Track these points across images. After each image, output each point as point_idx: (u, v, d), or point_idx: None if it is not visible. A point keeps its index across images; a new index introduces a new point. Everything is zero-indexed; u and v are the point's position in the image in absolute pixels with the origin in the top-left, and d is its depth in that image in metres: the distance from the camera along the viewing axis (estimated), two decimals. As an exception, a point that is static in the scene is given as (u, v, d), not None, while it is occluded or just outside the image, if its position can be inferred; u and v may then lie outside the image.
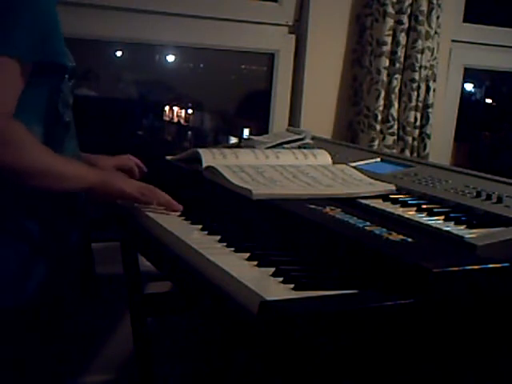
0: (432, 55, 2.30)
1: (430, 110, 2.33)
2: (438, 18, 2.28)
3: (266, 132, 2.31)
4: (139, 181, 1.45)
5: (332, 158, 1.67)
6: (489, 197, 1.29)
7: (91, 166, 1.38)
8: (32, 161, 1.15)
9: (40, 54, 1.14)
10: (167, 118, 2.65)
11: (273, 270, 1.02)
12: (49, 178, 1.19)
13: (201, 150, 1.59)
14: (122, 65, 2.40)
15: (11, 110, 1.11)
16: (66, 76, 1.25)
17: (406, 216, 1.22)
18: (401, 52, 2.23)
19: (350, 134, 2.33)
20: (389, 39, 2.20)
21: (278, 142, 1.87)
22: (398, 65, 2.24)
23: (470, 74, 2.67)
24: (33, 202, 1.22)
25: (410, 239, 1.07)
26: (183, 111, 2.66)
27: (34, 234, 1.23)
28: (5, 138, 1.10)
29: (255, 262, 1.07)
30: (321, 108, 2.32)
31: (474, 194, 1.32)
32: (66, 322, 1.35)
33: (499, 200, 1.26)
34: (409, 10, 2.22)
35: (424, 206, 1.27)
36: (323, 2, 2.26)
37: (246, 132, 2.59)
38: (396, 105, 2.27)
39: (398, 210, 1.26)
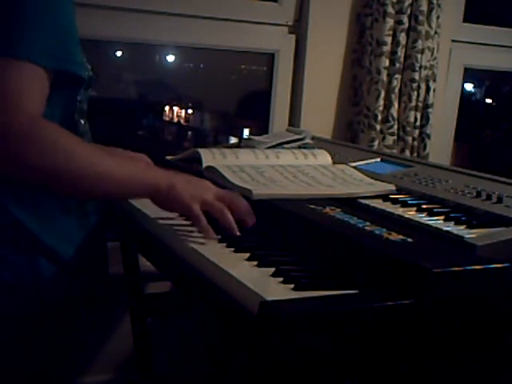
0: (432, 55, 2.30)
1: (429, 109, 2.33)
2: (438, 18, 2.28)
3: (266, 132, 2.32)
4: None
5: (332, 158, 1.67)
6: (489, 197, 1.29)
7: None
8: (75, 164, 1.07)
9: (60, 61, 1.13)
10: (167, 118, 2.65)
11: (273, 270, 1.02)
12: (101, 182, 1.10)
13: (201, 150, 1.59)
14: (122, 65, 2.41)
15: (39, 112, 1.08)
16: (83, 86, 1.24)
17: (406, 216, 1.22)
18: (401, 52, 2.23)
19: (349, 134, 2.33)
20: (389, 39, 2.20)
21: (278, 141, 1.87)
22: (398, 65, 2.24)
23: (470, 74, 2.67)
24: (36, 200, 1.21)
25: (409, 239, 1.07)
26: (183, 111, 2.66)
27: (42, 236, 1.22)
28: (37, 140, 1.05)
29: (255, 262, 1.07)
30: (321, 108, 2.32)
31: (474, 194, 1.32)
32: (77, 324, 1.34)
33: (499, 200, 1.26)
34: (409, 10, 2.22)
35: (424, 206, 1.27)
36: (323, 2, 2.26)
37: (246, 132, 2.59)
38: (396, 105, 2.27)
39: (398, 210, 1.26)
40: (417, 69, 2.25)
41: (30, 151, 1.05)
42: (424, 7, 2.23)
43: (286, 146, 1.86)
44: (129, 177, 1.15)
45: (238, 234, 1.18)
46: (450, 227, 1.14)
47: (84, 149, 1.12)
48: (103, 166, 1.12)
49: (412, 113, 2.29)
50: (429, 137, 2.35)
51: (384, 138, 2.28)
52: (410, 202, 1.32)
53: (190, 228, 1.28)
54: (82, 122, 1.28)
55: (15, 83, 1.05)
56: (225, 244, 1.18)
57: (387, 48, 2.21)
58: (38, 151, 1.05)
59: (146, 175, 1.18)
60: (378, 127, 2.25)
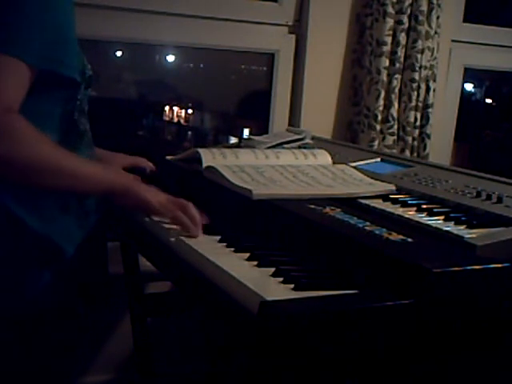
0: (432, 55, 2.30)
1: (429, 109, 2.33)
2: (438, 18, 2.28)
3: (266, 132, 2.32)
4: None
5: (332, 158, 1.67)
6: (489, 197, 1.29)
7: (107, 164, 1.35)
8: (38, 156, 1.11)
9: (49, 62, 1.13)
10: (167, 118, 2.65)
11: (273, 270, 1.02)
12: (58, 176, 1.14)
13: (201, 150, 1.59)
14: (122, 65, 2.41)
15: (13, 107, 1.10)
16: (82, 85, 1.24)
17: (406, 216, 1.22)
18: (401, 52, 2.23)
19: (349, 134, 2.33)
20: (389, 39, 2.20)
21: (278, 142, 1.87)
22: (398, 65, 2.24)
23: (470, 74, 2.67)
24: (36, 198, 1.21)
25: (410, 239, 1.07)
26: (183, 111, 2.66)
27: (41, 234, 1.22)
28: (4, 132, 1.07)
29: (255, 262, 1.07)
30: (321, 108, 2.32)
31: (474, 194, 1.32)
32: (76, 323, 1.34)
33: (499, 200, 1.26)
34: (409, 10, 2.22)
35: (424, 206, 1.27)
36: (323, 2, 2.26)
37: (246, 132, 2.59)
38: (396, 105, 2.27)
39: (398, 210, 1.26)
40: (417, 69, 2.25)
41: None
42: (424, 7, 2.23)
43: (286, 145, 1.86)
44: (88, 174, 1.20)
45: (198, 235, 1.24)
46: (450, 227, 1.14)
47: (48, 144, 1.14)
48: (66, 162, 1.16)
49: (412, 113, 2.29)
50: (429, 137, 2.35)
51: (384, 138, 2.28)
52: (410, 202, 1.32)
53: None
54: (83, 120, 1.28)
55: None
56: (225, 244, 1.18)
57: (387, 48, 2.21)
58: (3, 142, 1.08)
59: (105, 175, 1.23)
60: (378, 127, 2.25)
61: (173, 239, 1.22)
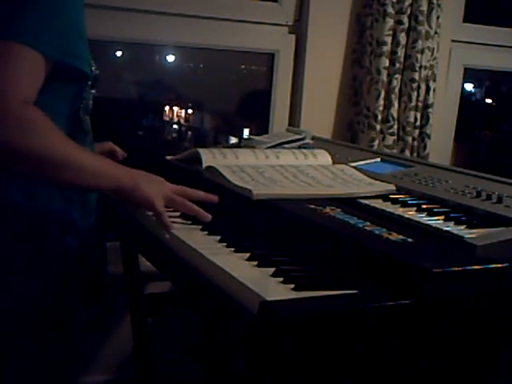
0: (432, 55, 2.30)
1: (430, 109, 2.33)
2: (438, 18, 2.28)
3: (266, 132, 2.32)
4: None
5: (332, 158, 1.67)
6: (489, 197, 1.29)
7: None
8: (51, 148, 1.10)
9: (64, 54, 1.13)
10: (167, 118, 2.65)
11: (273, 270, 1.02)
12: (69, 169, 1.13)
13: (201, 150, 1.59)
14: (122, 65, 2.41)
15: (31, 98, 1.09)
16: (89, 83, 1.25)
17: (406, 216, 1.22)
18: (401, 52, 2.23)
19: (349, 134, 2.33)
20: (389, 39, 2.20)
21: (278, 142, 1.87)
22: (397, 65, 2.24)
23: (470, 74, 2.67)
24: (39, 196, 1.21)
25: (410, 239, 1.07)
26: (183, 111, 2.66)
27: (42, 232, 1.22)
28: (23, 124, 1.07)
29: (255, 262, 1.07)
30: (321, 108, 2.32)
31: (474, 194, 1.32)
32: (76, 323, 1.34)
33: (499, 200, 1.26)
34: (409, 10, 2.22)
35: (424, 206, 1.27)
36: (323, 2, 2.26)
37: (246, 132, 2.59)
38: (396, 105, 2.27)
39: (398, 210, 1.26)
40: (417, 69, 2.25)
41: (13, 134, 1.06)
42: (424, 7, 2.23)
43: (286, 145, 1.86)
44: (97, 170, 1.18)
45: (210, 217, 1.26)
46: (450, 227, 1.14)
47: (61, 137, 1.13)
48: (77, 156, 1.14)
49: (412, 113, 2.29)
50: (429, 137, 2.35)
51: (384, 138, 2.28)
52: (410, 202, 1.32)
53: (190, 228, 1.28)
54: (87, 120, 1.29)
55: (13, 68, 1.07)
56: (225, 244, 1.18)
57: (387, 48, 2.21)
58: (23, 134, 1.07)
59: (113, 172, 1.21)
60: (378, 127, 2.25)
61: (167, 236, 1.24)
